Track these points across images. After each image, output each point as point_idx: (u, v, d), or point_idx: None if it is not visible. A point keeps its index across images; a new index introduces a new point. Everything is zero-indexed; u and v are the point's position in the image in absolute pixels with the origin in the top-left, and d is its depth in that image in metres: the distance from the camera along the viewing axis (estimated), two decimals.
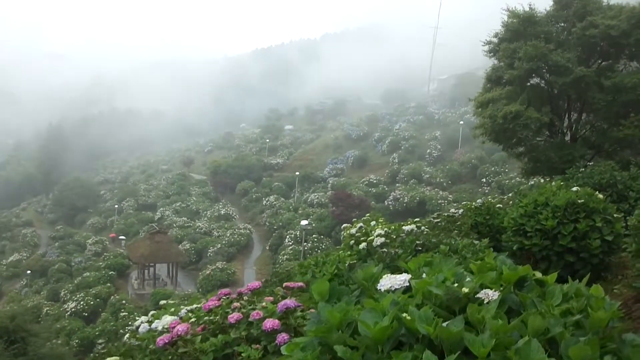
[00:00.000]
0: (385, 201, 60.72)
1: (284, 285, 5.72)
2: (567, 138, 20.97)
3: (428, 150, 74.77)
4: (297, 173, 77.21)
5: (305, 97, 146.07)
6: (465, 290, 3.22)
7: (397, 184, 67.03)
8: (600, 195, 10.34)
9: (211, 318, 5.14)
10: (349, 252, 9.51)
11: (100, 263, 60.05)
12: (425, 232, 9.69)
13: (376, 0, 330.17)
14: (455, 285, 3.37)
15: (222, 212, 74.60)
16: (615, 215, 9.94)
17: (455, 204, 38.76)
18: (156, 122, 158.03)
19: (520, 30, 19.76)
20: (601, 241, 9.27)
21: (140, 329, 6.13)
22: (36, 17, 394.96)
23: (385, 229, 10.71)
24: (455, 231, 11.75)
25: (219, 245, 59.95)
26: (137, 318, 8.70)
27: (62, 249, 72.25)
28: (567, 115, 21.21)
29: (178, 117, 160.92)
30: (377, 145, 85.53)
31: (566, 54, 18.71)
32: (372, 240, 10.22)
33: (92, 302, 49.16)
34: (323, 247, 49.18)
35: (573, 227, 9.36)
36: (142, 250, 53.68)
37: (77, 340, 41.18)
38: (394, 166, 73.42)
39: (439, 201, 55.13)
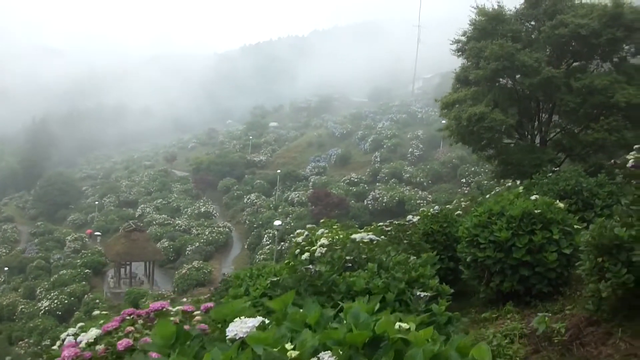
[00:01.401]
0: (365, 200, 60.17)
1: (183, 309, 5.15)
2: (538, 141, 20.40)
3: (410, 149, 74.15)
4: (279, 171, 76.23)
5: (294, 94, 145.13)
6: (293, 354, 2.53)
7: (378, 183, 66.37)
8: (561, 205, 9.78)
9: (112, 340, 4.49)
10: (292, 263, 8.85)
11: (78, 261, 59.12)
12: (363, 244, 8.97)
13: None
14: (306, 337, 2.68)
15: (203, 210, 73.79)
16: (576, 226, 9.40)
17: (434, 205, 38.25)
18: (144, 118, 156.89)
19: (488, 28, 19.10)
20: (559, 254, 8.78)
21: (65, 343, 5.49)
22: (28, 11, 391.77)
23: (331, 238, 10.07)
24: (405, 241, 11.11)
25: (197, 244, 59.22)
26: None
27: (41, 246, 71.19)
28: (536, 118, 20.59)
29: (167, 112, 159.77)
30: (360, 143, 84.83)
31: (534, 54, 18.09)
32: (315, 250, 9.63)
33: (66, 301, 48.51)
34: None
35: (528, 239, 8.87)
36: (118, 247, 52.85)
37: (48, 340, 40.58)
38: (376, 165, 72.84)
39: (418, 201, 54.58)
